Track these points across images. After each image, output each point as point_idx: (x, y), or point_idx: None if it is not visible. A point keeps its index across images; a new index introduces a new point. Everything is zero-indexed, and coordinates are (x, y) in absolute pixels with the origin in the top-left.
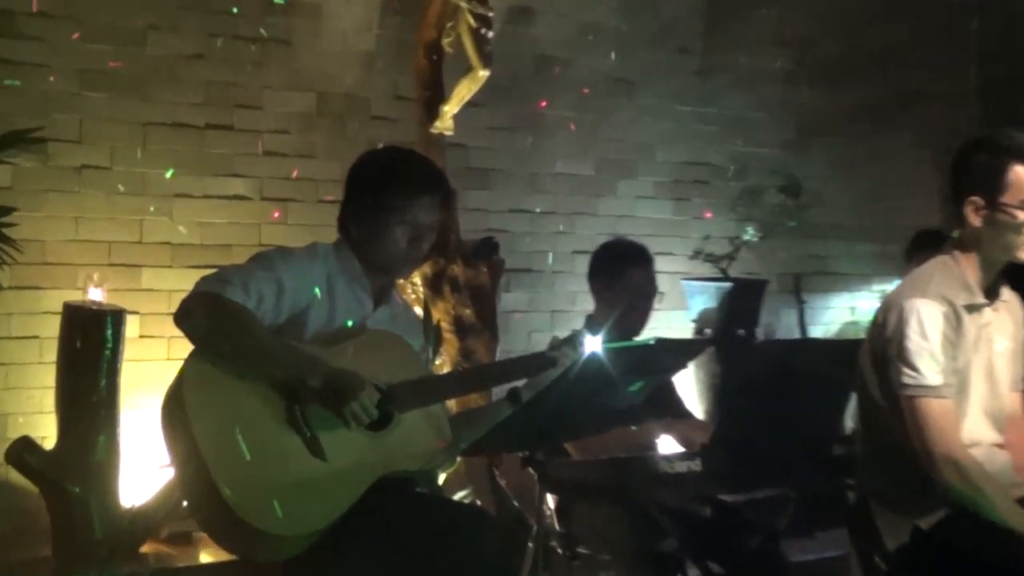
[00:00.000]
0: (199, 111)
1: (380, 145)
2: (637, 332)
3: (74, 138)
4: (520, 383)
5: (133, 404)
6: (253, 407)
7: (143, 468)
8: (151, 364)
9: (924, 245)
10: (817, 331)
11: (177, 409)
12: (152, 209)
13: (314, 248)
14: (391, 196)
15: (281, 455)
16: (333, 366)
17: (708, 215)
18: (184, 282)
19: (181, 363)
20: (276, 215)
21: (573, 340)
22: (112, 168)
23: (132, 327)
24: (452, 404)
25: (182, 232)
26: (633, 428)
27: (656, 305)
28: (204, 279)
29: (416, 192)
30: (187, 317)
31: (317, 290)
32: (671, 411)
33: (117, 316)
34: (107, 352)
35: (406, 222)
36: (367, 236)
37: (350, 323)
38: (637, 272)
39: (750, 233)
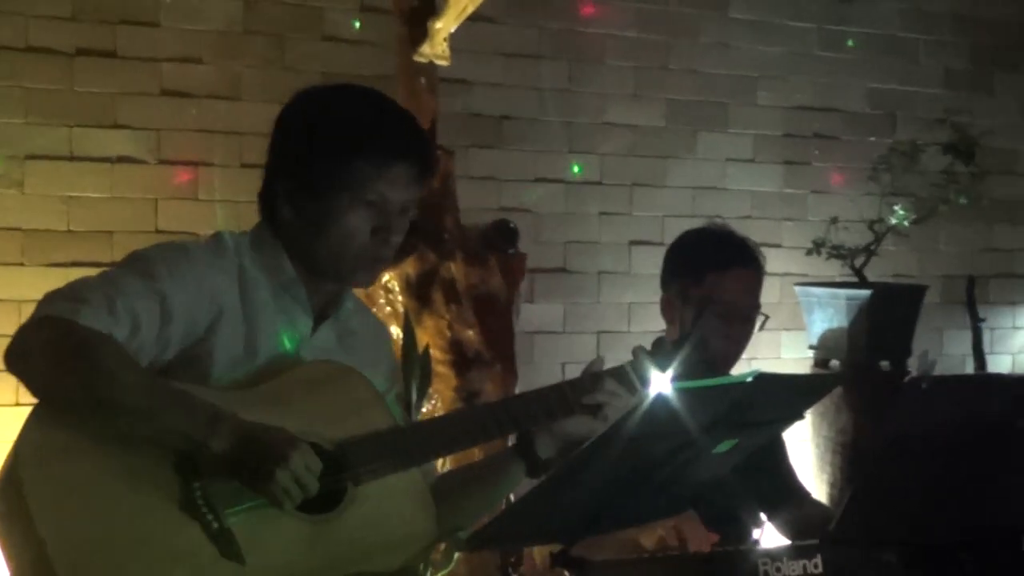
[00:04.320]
0: (65, 29)
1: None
2: (727, 366)
3: None
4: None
5: None
6: (129, 488)
7: None
8: None
9: None
10: (1003, 363)
11: (14, 498)
12: None
13: (219, 241)
14: (348, 161)
15: (173, 558)
16: (246, 419)
17: (836, 183)
18: (42, 288)
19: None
20: (181, 183)
21: (625, 374)
22: None
23: None
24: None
25: (38, 212)
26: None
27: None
28: (49, 297)
29: (386, 156)
30: (23, 358)
31: (224, 305)
32: (777, 486)
33: None
34: None
35: (369, 202)
36: (307, 222)
37: (285, 350)
38: (729, 278)
39: (899, 215)
